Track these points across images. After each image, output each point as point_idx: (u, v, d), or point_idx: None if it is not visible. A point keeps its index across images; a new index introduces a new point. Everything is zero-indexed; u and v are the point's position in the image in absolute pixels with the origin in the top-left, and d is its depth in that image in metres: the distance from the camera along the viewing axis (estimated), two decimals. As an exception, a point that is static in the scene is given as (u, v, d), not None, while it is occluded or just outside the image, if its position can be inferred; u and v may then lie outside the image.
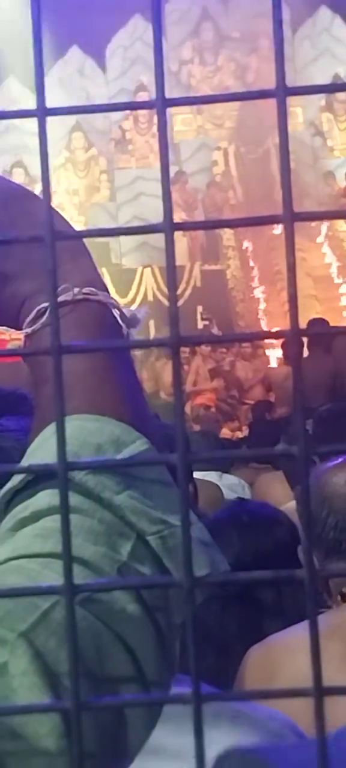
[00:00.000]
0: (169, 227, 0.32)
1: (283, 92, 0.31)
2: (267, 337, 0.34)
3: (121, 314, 0.73)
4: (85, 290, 0.72)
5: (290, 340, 0.33)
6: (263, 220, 0.33)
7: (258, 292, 14.01)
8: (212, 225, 0.33)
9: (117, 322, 0.72)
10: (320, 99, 15.25)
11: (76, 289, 0.71)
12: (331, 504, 1.85)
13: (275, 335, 0.34)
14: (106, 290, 0.74)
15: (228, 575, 0.33)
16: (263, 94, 0.32)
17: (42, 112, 0.33)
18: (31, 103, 0.33)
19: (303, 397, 0.34)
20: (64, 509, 0.33)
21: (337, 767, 0.46)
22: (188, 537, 0.33)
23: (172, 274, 0.33)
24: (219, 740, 0.90)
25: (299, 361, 0.34)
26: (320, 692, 0.32)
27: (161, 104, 0.32)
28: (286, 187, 0.32)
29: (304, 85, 0.32)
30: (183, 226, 0.33)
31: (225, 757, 0.68)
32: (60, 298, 0.70)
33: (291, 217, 0.32)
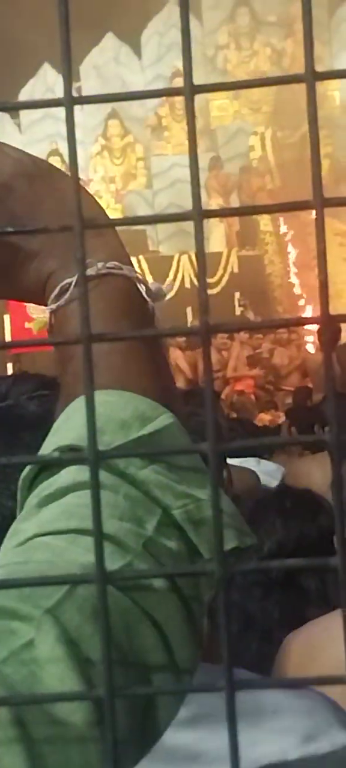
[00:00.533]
0: (197, 214, 0.32)
1: (312, 77, 0.31)
2: (298, 324, 0.34)
3: (147, 289, 0.73)
4: (109, 264, 0.71)
5: (322, 326, 0.32)
6: (293, 206, 0.32)
7: (295, 278, 13.95)
8: (241, 211, 0.33)
9: (142, 296, 0.72)
10: (358, 81, 15.14)
11: (100, 264, 0.71)
12: None
13: (306, 321, 0.34)
14: (131, 264, 0.73)
15: (261, 564, 0.33)
16: (292, 79, 0.32)
17: (69, 101, 0.33)
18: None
19: (335, 382, 0.34)
20: (96, 498, 0.33)
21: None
22: (219, 525, 0.33)
23: (202, 261, 0.32)
24: (261, 740, 0.89)
25: (330, 348, 0.34)
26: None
27: (189, 90, 0.32)
28: (316, 172, 0.32)
29: (333, 70, 0.32)
30: (212, 213, 0.33)
31: None
32: None
33: (321, 203, 0.32)
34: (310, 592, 2.12)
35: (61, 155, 14.36)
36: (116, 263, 0.72)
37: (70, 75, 0.33)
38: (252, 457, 4.14)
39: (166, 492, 0.64)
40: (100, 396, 0.65)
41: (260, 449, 4.41)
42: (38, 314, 0.80)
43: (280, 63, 15.06)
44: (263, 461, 4.29)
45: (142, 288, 0.72)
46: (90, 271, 0.70)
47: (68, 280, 0.72)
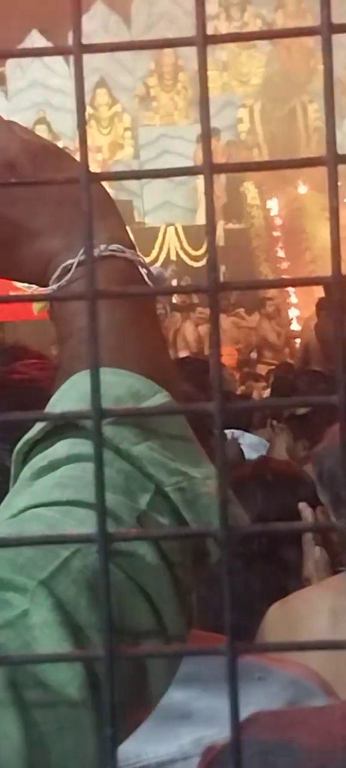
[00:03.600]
0: (208, 168, 0.32)
1: (328, 30, 0.30)
2: (309, 284, 0.33)
3: (148, 272, 0.73)
4: (112, 247, 0.71)
5: (332, 286, 0.32)
6: (306, 162, 0.32)
7: (282, 252, 13.94)
8: (253, 167, 0.32)
9: (144, 279, 0.72)
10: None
11: (102, 246, 0.71)
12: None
13: (317, 281, 0.33)
14: (134, 249, 0.73)
15: (265, 526, 0.33)
16: (307, 32, 0.31)
17: (78, 49, 0.32)
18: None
19: (344, 345, 0.33)
20: (98, 457, 0.32)
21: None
22: (224, 487, 0.33)
23: (211, 216, 0.32)
24: (250, 701, 0.90)
25: (340, 309, 0.33)
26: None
27: (202, 41, 0.31)
28: (330, 128, 0.31)
29: (350, 22, 0.31)
30: (222, 168, 0.32)
31: (250, 721, 0.68)
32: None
33: (335, 160, 0.31)
34: (290, 565, 2.12)
35: (48, 123, 14.26)
36: (119, 246, 0.72)
37: (79, 24, 0.32)
38: (237, 430, 4.14)
39: (159, 469, 0.64)
40: None
41: (249, 420, 4.42)
42: (23, 284, 0.79)
43: (269, 36, 14.97)
44: (247, 434, 4.29)
45: (143, 272, 0.72)
46: None
47: (70, 261, 0.71)
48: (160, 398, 0.66)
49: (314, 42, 13.83)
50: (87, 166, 0.33)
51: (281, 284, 0.32)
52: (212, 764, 0.66)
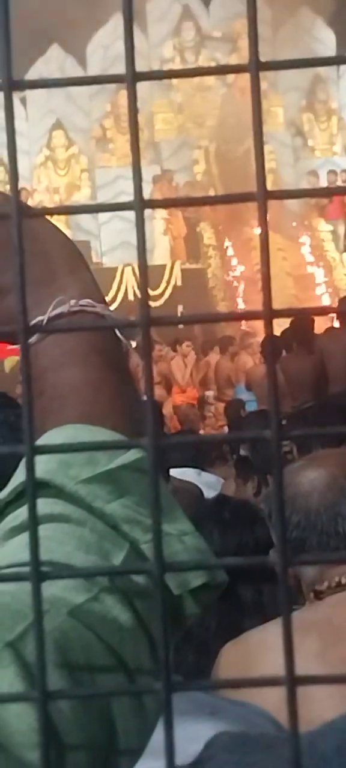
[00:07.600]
0: (138, 205, 0.32)
1: (256, 67, 0.31)
2: (240, 318, 0.33)
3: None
4: (82, 302, 0.71)
5: (264, 320, 0.32)
6: (235, 198, 0.32)
7: (239, 292, 14.02)
8: (180, 203, 0.33)
9: (115, 334, 0.72)
10: (301, 99, 15.27)
11: (72, 301, 0.71)
12: (294, 503, 1.84)
13: (249, 316, 0.33)
14: (104, 302, 0.74)
15: (200, 561, 0.33)
16: (236, 69, 0.32)
17: (8, 84, 0.32)
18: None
19: (276, 380, 0.33)
20: (32, 493, 0.32)
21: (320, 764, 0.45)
22: (158, 522, 0.33)
23: (142, 252, 0.32)
24: (200, 735, 0.89)
25: (272, 342, 0.33)
26: (292, 681, 0.31)
27: (131, 78, 0.32)
28: (259, 164, 0.32)
29: (276, 60, 0.31)
30: (153, 203, 0.32)
31: (214, 741, 0.67)
32: (56, 310, 0.70)
33: (264, 195, 0.31)
34: (246, 604, 2.12)
35: (5, 165, 14.27)
36: (89, 301, 0.72)
37: (9, 59, 0.32)
38: (192, 468, 4.15)
39: (134, 526, 0.63)
40: (68, 430, 0.65)
41: (207, 459, 4.42)
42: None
43: (224, 78, 15.15)
44: (204, 473, 4.30)
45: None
46: (62, 309, 0.70)
47: (40, 318, 0.71)
48: (133, 453, 0.65)
49: (267, 84, 14.01)
50: (19, 201, 0.33)
51: (213, 318, 0.32)
52: None
